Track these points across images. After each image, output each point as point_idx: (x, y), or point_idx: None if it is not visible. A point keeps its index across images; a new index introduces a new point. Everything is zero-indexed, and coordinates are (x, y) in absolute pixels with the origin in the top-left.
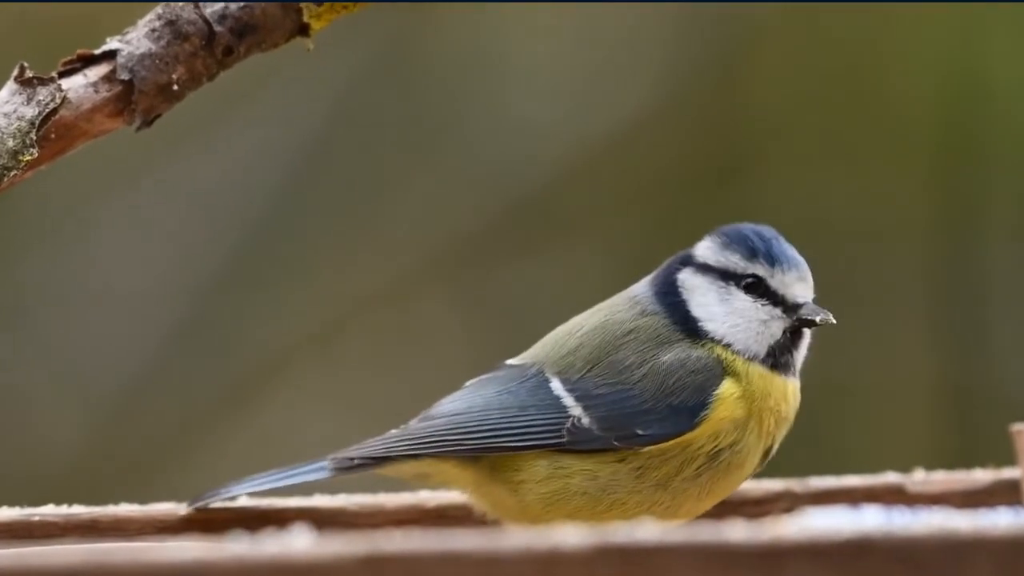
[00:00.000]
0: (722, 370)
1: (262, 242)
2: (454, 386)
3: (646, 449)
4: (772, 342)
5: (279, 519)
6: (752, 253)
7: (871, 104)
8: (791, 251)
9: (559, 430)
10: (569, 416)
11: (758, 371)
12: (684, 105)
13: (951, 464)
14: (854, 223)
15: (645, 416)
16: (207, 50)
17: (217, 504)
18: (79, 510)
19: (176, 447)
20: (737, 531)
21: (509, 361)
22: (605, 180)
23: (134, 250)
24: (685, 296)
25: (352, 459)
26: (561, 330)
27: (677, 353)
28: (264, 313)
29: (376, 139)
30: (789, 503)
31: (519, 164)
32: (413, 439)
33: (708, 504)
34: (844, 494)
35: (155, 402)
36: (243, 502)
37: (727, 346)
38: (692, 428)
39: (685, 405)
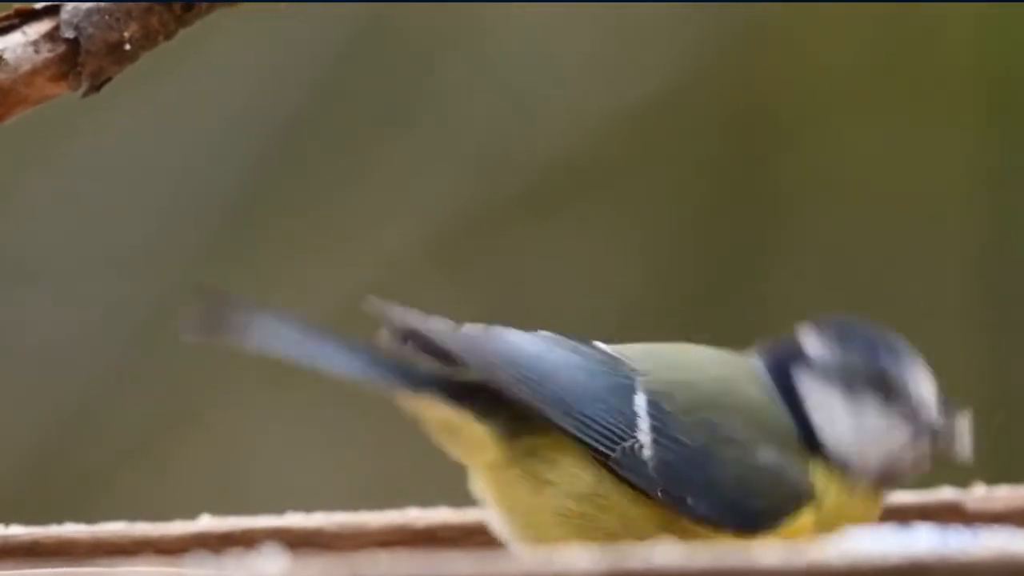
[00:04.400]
0: (808, 495)
1: (234, 227)
2: None
3: (699, 531)
4: (892, 468)
5: (247, 540)
6: (873, 348)
7: (915, 64)
8: (907, 346)
9: (615, 442)
10: (633, 437)
11: (853, 501)
12: (707, 73)
13: (1016, 478)
14: (895, 191)
15: (705, 492)
16: (164, 5)
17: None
18: (18, 531)
19: (128, 460)
20: (769, 555)
21: (600, 344)
22: (617, 153)
23: (81, 230)
24: (808, 403)
25: (407, 340)
26: (667, 351)
27: (777, 458)
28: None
29: (363, 114)
30: None
31: (523, 140)
32: (468, 345)
33: None
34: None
35: (104, 409)
36: (205, 521)
37: (843, 464)
38: (742, 533)
39: (748, 511)
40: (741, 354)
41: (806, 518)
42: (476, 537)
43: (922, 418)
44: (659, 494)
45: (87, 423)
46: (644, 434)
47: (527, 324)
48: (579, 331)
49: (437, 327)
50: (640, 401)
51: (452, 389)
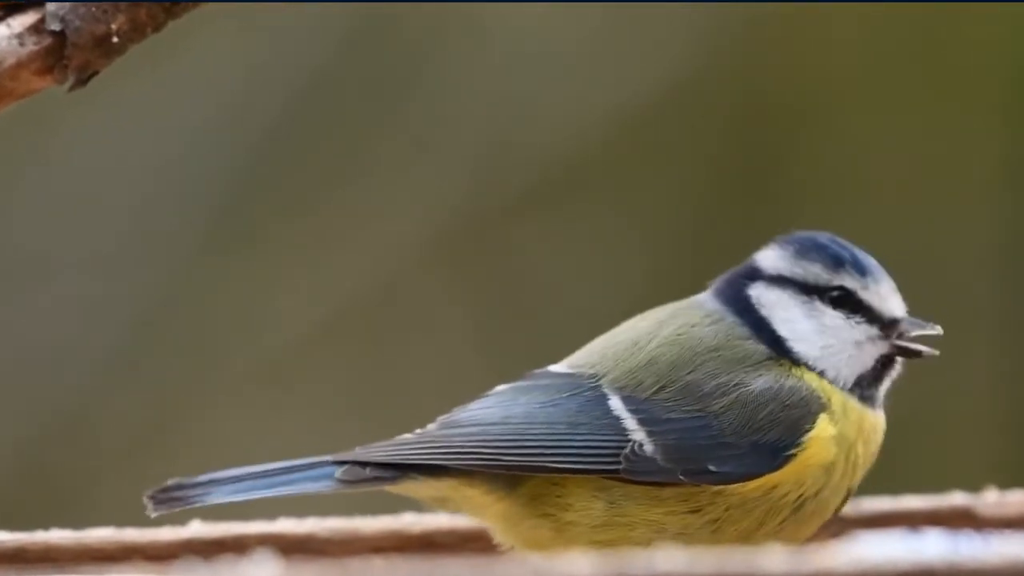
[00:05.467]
0: (820, 404)
1: (229, 226)
2: (459, 391)
3: (725, 491)
4: (862, 370)
5: (238, 545)
6: (837, 261)
7: (931, 60)
8: (873, 259)
9: (616, 455)
10: (629, 440)
11: (852, 404)
12: (713, 68)
13: None
14: (908, 187)
15: (722, 451)
16: None
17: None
18: (3, 537)
19: (116, 464)
20: (775, 560)
21: (552, 368)
22: (620, 150)
23: (68, 231)
24: (765, 313)
25: (364, 465)
26: (621, 338)
27: (768, 381)
28: (227, 309)
29: (362, 110)
30: (837, 528)
31: (524, 137)
32: (437, 448)
33: None
34: (902, 517)
35: (91, 412)
36: (195, 527)
37: (820, 372)
38: (774, 469)
39: (771, 443)
40: (690, 297)
41: (825, 425)
42: (473, 543)
43: (884, 317)
44: (681, 478)
45: (73, 426)
46: (637, 432)
47: (527, 321)
48: (581, 329)
49: (388, 452)
50: (615, 404)
51: (428, 467)
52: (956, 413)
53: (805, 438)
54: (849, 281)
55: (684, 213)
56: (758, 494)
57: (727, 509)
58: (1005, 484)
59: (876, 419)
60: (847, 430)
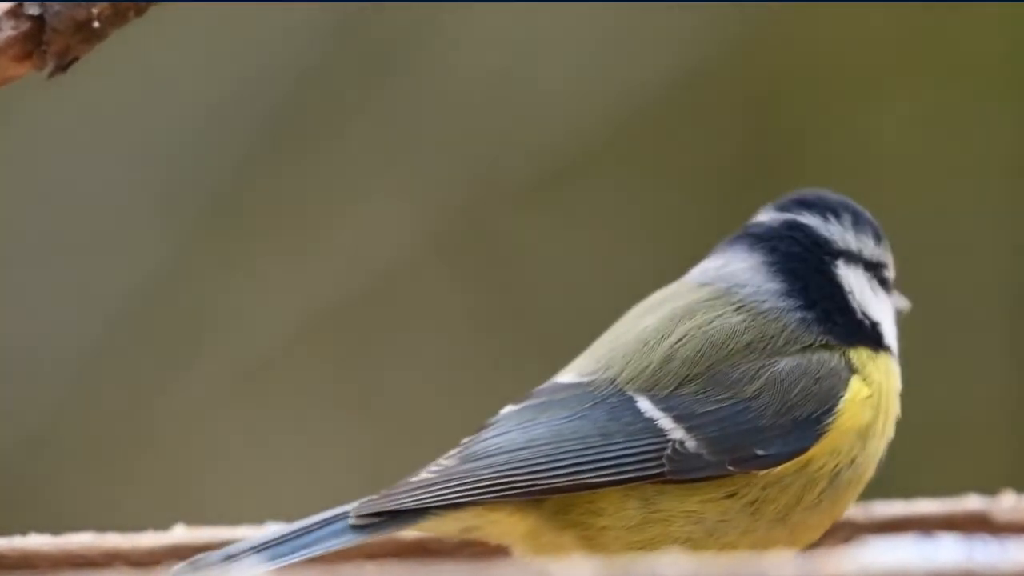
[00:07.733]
0: (849, 371)
1: (216, 222)
2: (457, 391)
3: (762, 474)
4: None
5: None
6: (877, 236)
7: (943, 49)
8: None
9: (657, 458)
10: (669, 440)
11: (885, 363)
12: (721, 59)
13: None
14: (920, 177)
15: (765, 433)
16: None
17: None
18: None
19: (98, 467)
20: (784, 566)
21: (561, 379)
22: (623, 141)
23: (51, 227)
24: (855, 302)
25: (383, 514)
26: (629, 337)
27: (796, 358)
28: (213, 307)
29: (359, 101)
30: (848, 533)
31: (523, 128)
32: (464, 484)
33: (820, 533)
34: (915, 522)
35: (74, 413)
36: (179, 532)
37: (877, 341)
38: (815, 441)
39: (807, 417)
40: (705, 272)
41: (858, 388)
42: (467, 548)
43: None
44: (731, 468)
45: (53, 429)
46: (675, 430)
47: (526, 318)
48: (583, 325)
49: (412, 498)
50: (644, 405)
51: (468, 493)
52: (971, 415)
53: (840, 403)
54: (884, 257)
55: (687, 206)
56: (795, 469)
57: (764, 488)
58: (1022, 488)
59: (891, 363)
60: (880, 381)
